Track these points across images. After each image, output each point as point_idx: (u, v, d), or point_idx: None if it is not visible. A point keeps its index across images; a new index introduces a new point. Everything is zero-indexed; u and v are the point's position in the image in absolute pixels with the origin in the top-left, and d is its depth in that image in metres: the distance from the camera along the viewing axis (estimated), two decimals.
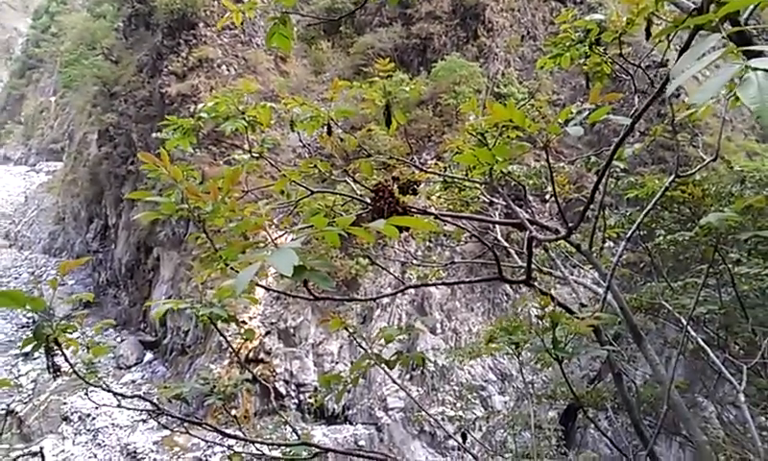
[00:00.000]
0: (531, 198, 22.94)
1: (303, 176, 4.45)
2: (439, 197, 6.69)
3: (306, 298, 2.69)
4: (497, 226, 7.26)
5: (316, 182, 4.85)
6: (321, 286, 2.15)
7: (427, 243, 19.62)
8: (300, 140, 6.01)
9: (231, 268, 2.37)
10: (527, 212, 5.46)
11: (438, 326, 22.19)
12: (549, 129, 2.73)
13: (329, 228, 1.94)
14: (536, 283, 3.79)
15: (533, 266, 6.91)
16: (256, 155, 4.52)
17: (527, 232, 3.62)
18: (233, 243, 2.31)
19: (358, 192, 4.37)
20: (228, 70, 28.16)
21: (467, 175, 5.01)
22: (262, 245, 2.23)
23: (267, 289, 3.80)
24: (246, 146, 4.50)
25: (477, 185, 5.68)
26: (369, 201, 2.95)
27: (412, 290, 22.21)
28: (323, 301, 3.05)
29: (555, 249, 8.00)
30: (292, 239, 2.04)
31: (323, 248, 17.76)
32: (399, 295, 22.17)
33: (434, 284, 4.05)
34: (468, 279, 4.46)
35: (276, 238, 2.17)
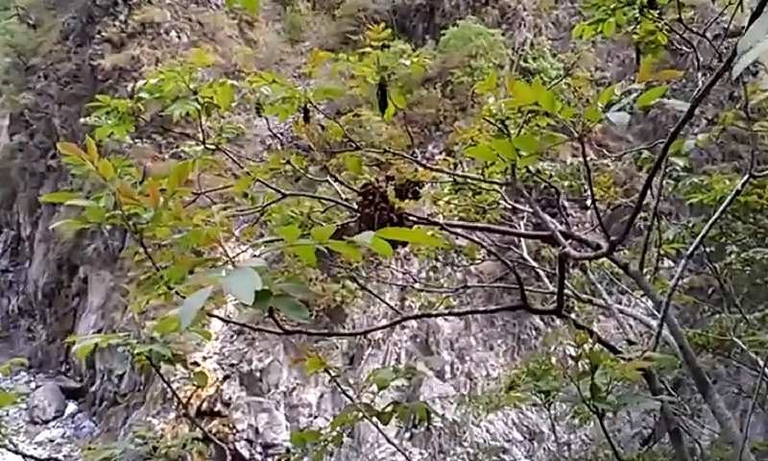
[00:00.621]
0: (566, 204, 23.08)
1: (273, 174, 4.48)
2: (448, 202, 6.72)
3: (275, 332, 2.69)
4: (522, 239, 7.27)
5: (289, 183, 4.88)
6: (293, 317, 2.16)
7: (433, 262, 19.63)
8: (270, 129, 6.02)
9: (177, 293, 2.37)
10: (561, 222, 5.50)
11: (447, 368, 22.17)
12: (586, 114, 2.75)
13: (303, 241, 1.94)
14: (572, 314, 3.81)
15: (568, 292, 6.95)
16: (212, 146, 4.54)
17: (560, 248, 3.63)
18: (180, 261, 2.32)
19: (343, 196, 4.39)
20: (179, 37, 28.32)
21: (483, 174, 5.04)
22: (218, 263, 2.25)
23: (225, 321, 3.80)
24: (199, 135, 4.52)
25: (497, 188, 5.70)
26: (356, 207, 2.96)
27: (413, 322, 22.20)
28: (297, 336, 3.05)
29: (596, 270, 8.04)
30: (255, 256, 2.05)
31: (298, 267, 17.68)
32: (397, 329, 22.17)
33: (442, 315, 4.07)
34: (485, 309, 4.47)
35: (236, 255, 2.18)
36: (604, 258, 5.45)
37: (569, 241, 4.56)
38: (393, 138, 22.26)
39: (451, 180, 5.99)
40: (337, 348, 21.66)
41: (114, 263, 25.65)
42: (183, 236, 2.34)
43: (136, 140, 23.06)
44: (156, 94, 4.29)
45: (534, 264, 7.21)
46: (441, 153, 23.38)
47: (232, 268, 1.82)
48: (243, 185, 4.04)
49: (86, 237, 26.87)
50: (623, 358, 3.09)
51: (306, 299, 22.44)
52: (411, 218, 3.34)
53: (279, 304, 2.04)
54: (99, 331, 23.57)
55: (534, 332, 22.94)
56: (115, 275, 25.33)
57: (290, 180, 4.48)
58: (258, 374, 21.72)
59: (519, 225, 7.61)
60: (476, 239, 4.76)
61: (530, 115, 4.77)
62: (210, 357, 21.93)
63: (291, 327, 2.88)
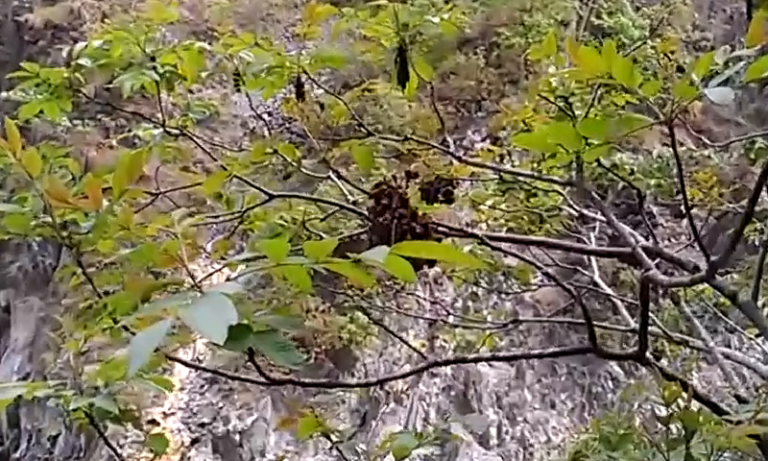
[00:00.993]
0: (654, 210, 22.95)
1: (257, 169, 4.50)
2: (492, 207, 6.72)
3: (258, 381, 2.71)
4: (594, 258, 7.24)
5: (278, 181, 4.90)
6: (281, 363, 2.17)
7: (472, 288, 19.61)
8: (252, 108, 6.02)
9: (126, 328, 2.38)
10: (646, 235, 5.46)
11: (492, 431, 22.08)
12: (678, 90, 2.74)
13: (294, 259, 1.93)
14: (661, 361, 3.80)
15: (655, 330, 6.89)
16: (176, 131, 4.58)
17: (642, 270, 3.62)
18: (130, 284, 2.32)
19: (350, 198, 4.41)
20: None
21: (539, 170, 5.05)
22: (182, 288, 2.26)
23: (192, 367, 3.83)
24: (159, 116, 4.55)
25: (558, 188, 5.68)
26: (366, 212, 2.98)
27: (446, 369, 22.14)
28: (289, 387, 3.04)
29: (694, 300, 7.96)
30: (230, 278, 2.06)
31: (290, 294, 17.65)
32: (425, 377, 22.10)
33: (484, 359, 4.06)
34: (541, 352, 4.47)
35: (205, 276, 2.19)
36: (704, 285, 5.40)
37: (656, 261, 4.52)
38: (418, 121, 22.28)
39: (496, 177, 5.99)
40: (344, 402, 21.64)
41: (46, 287, 25.83)
42: (134, 252, 2.35)
43: (76, 122, 23.25)
44: (101, 61, 4.33)
45: (609, 292, 7.17)
46: (483, 140, 23.41)
47: (198, 295, 1.81)
48: (215, 183, 4.05)
49: (9, 252, 27.05)
50: (730, 421, 3.07)
51: (302, 336, 22.39)
52: (441, 229, 3.35)
53: (262, 345, 2.04)
54: (25, 377, 23.67)
55: (610, 384, 22.80)
56: (47, 302, 25.51)
57: (279, 176, 4.51)
58: (238, 436, 21.72)
59: (589, 238, 7.54)
60: (530, 258, 4.75)
61: (603, 91, 4.78)
62: (173, 414, 21.99)
63: (280, 376, 2.89)
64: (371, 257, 1.86)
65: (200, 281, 2.07)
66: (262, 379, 2.73)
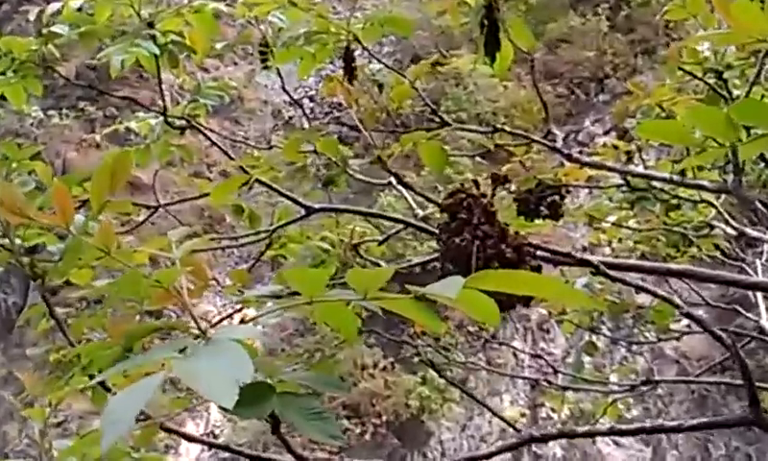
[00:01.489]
0: None
1: (291, 173, 4.51)
2: (617, 224, 6.67)
3: None
4: (760, 296, 7.14)
5: (322, 191, 4.90)
6: (318, 438, 2.17)
7: (589, 337, 19.47)
8: (286, 89, 6.04)
9: (107, 388, 2.41)
10: None
11: None
12: None
13: (334, 294, 1.95)
14: None
15: None
16: (182, 121, 4.62)
17: None
18: (113, 327, 2.35)
19: (419, 211, 4.42)
20: None
21: (682, 172, 5.00)
22: (182, 334, 2.27)
23: (199, 441, 3.90)
24: (159, 103, 4.59)
25: (709, 197, 5.63)
26: (437, 230, 2.97)
27: (555, 449, 21.97)
28: None
29: None
30: (245, 320, 2.08)
31: (339, 345, 17.57)
32: (524, 449, 21.94)
33: (602, 433, 4.00)
34: (681, 424, 4.42)
35: (218, 321, 2.20)
36: None
37: None
38: (516, 107, 22.20)
39: (623, 183, 5.94)
40: None
41: (8, 334, 26.23)
42: (111, 284, 2.36)
43: (50, 113, 23.55)
44: (82, 28, 4.38)
45: None
46: (606, 133, 23.22)
47: (202, 342, 1.83)
48: (228, 191, 4.03)
49: None
50: None
51: (355, 402, 22.32)
52: (542, 253, 3.34)
53: (288, 411, 2.05)
54: None
55: None
56: (10, 355, 25.89)
57: (321, 182, 4.51)
58: None
59: (755, 267, 7.45)
60: (667, 296, 4.67)
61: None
62: None
63: (324, 457, 2.88)
64: (438, 292, 1.83)
65: (209, 325, 2.08)
66: (290, 460, 2.70)
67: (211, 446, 16.91)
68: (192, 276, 2.41)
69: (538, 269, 2.86)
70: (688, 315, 4.23)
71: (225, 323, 2.66)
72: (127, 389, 1.66)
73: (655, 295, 4.65)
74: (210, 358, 1.70)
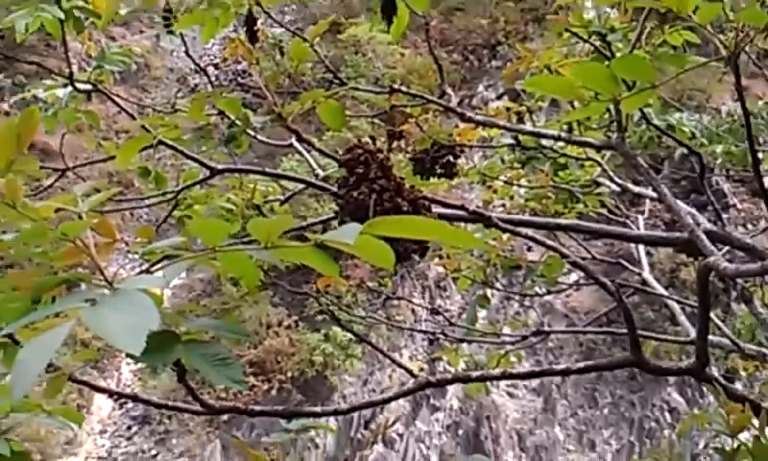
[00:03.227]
0: (725, 186, 22.92)
1: (193, 135, 4.54)
2: (509, 182, 6.87)
3: (191, 410, 2.80)
4: (643, 249, 7.28)
5: (227, 154, 4.94)
6: (220, 383, 2.23)
7: (483, 290, 19.56)
8: (189, 55, 6.01)
9: (14, 340, 2.42)
10: (712, 219, 5.59)
11: None
12: (743, 15, 2.88)
13: (237, 245, 2.00)
14: (735, 384, 3.87)
15: (724, 340, 6.88)
16: (87, 85, 4.65)
17: (699, 260, 3.76)
18: (19, 279, 2.32)
19: (318, 172, 4.51)
20: None
21: (569, 128, 5.13)
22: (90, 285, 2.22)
23: (107, 392, 4.00)
24: (65, 69, 4.58)
25: (595, 156, 5.77)
26: (337, 185, 3.03)
27: (453, 401, 22.11)
28: (243, 427, 3.10)
29: None
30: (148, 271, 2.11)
31: (245, 303, 17.57)
32: (424, 411, 21.97)
33: (495, 378, 4.08)
34: (568, 367, 4.63)
35: (117, 273, 2.18)
36: None
37: (724, 249, 4.65)
38: (413, 73, 22.28)
39: (514, 143, 6.01)
40: (317, 446, 21.55)
41: None
42: (15, 239, 2.32)
43: None
44: None
45: (661, 291, 7.24)
46: (499, 97, 23.40)
47: (108, 292, 1.82)
48: (132, 152, 4.01)
49: None
50: None
51: (261, 359, 22.20)
52: (437, 210, 3.40)
53: (194, 358, 2.08)
54: None
55: (667, 417, 22.68)
56: None
57: (229, 148, 4.55)
58: None
59: (638, 222, 7.58)
60: (557, 247, 4.83)
61: (653, 25, 4.88)
62: (91, 459, 21.93)
63: (223, 404, 2.96)
64: (336, 238, 1.84)
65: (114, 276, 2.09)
66: (198, 408, 2.73)
67: (120, 396, 16.71)
68: (99, 230, 2.34)
69: (430, 214, 2.93)
70: (575, 264, 4.41)
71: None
72: (35, 339, 1.64)
73: (544, 245, 4.78)
74: (117, 307, 1.68)
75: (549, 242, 4.74)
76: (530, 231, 4.45)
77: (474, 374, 4.07)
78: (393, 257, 1.90)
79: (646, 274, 7.01)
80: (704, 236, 3.96)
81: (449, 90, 5.08)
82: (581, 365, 4.16)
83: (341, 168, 3.00)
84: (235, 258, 1.99)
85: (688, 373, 3.83)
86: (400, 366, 4.41)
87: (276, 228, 1.93)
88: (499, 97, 23.41)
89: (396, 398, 3.69)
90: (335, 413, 3.73)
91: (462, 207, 3.82)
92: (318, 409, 4.58)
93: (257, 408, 2.91)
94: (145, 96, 24.01)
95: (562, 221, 5.40)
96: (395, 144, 3.94)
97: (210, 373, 2.13)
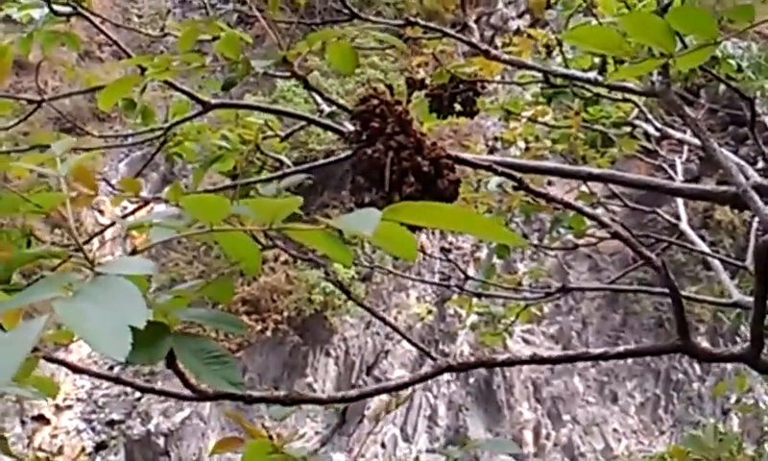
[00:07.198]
0: None
1: (180, 62, 4.40)
2: (532, 119, 6.71)
3: (180, 396, 2.67)
4: (680, 200, 7.17)
5: (215, 82, 4.80)
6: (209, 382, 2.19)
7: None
8: None
9: None
10: (752, 159, 5.42)
11: (527, 435, 22.27)
12: None
13: (227, 227, 1.92)
14: None
15: None
16: (67, 7, 4.50)
17: (751, 217, 3.57)
18: None
19: (323, 106, 4.36)
20: None
21: (603, 69, 4.98)
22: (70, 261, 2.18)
23: (83, 372, 3.86)
24: None
25: (628, 96, 5.63)
26: (349, 137, 2.94)
27: (463, 347, 22.25)
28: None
29: None
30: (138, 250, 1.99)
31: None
32: (431, 348, 22.11)
33: (530, 362, 4.00)
34: (606, 351, 4.44)
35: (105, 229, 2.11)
36: None
37: None
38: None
39: (540, 76, 5.90)
40: (312, 390, 21.64)
41: None
42: None
43: None
44: None
45: (703, 248, 7.10)
46: (520, 16, 23.29)
47: (89, 277, 1.75)
48: (117, 94, 3.92)
49: None
50: None
51: (255, 297, 22.29)
52: (461, 163, 3.29)
53: (184, 354, 2.05)
54: None
55: (696, 370, 22.89)
56: None
57: (219, 79, 4.42)
58: (162, 440, 21.85)
59: (676, 166, 7.48)
60: (598, 216, 4.67)
61: None
62: (70, 407, 22.07)
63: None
64: (352, 227, 1.80)
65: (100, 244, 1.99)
66: (186, 392, 2.65)
67: (101, 377, 16.77)
68: (79, 181, 2.37)
69: (456, 183, 2.83)
70: (616, 235, 4.23)
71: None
72: (9, 335, 1.57)
73: (570, 207, 4.65)
74: (99, 300, 1.60)
75: (586, 209, 4.60)
76: (559, 180, 4.29)
77: (500, 357, 3.87)
78: (415, 246, 1.91)
79: (684, 225, 6.95)
80: (755, 195, 3.76)
81: (470, 22, 4.94)
82: (620, 349, 3.98)
83: (353, 118, 2.90)
84: (235, 239, 1.98)
85: (741, 359, 3.64)
86: (411, 342, 4.28)
87: (281, 210, 1.90)
88: (520, 16, 23.23)
89: (411, 383, 3.51)
90: (342, 400, 3.56)
91: (490, 168, 3.63)
92: (324, 396, 4.43)
93: (255, 394, 2.76)
94: (132, 6, 23.78)
95: (594, 170, 5.21)
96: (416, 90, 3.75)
97: (204, 372, 2.12)
